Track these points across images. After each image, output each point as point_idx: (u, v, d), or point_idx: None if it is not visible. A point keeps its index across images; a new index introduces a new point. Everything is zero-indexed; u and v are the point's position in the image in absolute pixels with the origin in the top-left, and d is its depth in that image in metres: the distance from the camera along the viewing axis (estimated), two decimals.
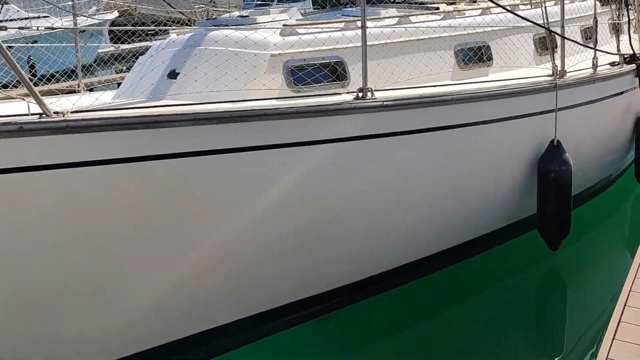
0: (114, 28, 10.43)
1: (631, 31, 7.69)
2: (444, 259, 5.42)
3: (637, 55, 7.20)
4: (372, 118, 4.19)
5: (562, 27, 5.68)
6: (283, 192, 3.94)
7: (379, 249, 4.79)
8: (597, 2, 7.76)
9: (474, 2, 7.60)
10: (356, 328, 5.12)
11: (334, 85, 4.65)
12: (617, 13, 7.59)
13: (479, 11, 6.41)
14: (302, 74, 4.53)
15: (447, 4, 7.29)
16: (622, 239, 6.82)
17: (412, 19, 5.74)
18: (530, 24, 5.50)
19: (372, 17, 5.70)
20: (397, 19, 5.61)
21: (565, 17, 6.91)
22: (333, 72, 4.70)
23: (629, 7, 7.72)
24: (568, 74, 5.80)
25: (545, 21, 5.54)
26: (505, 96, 5.09)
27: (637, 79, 7.07)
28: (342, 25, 5.10)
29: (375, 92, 4.23)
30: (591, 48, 6.18)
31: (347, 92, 4.28)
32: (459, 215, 5.26)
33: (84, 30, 15.48)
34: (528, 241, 5.91)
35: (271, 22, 4.90)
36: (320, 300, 4.79)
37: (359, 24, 5.26)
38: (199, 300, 4.14)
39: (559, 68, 5.65)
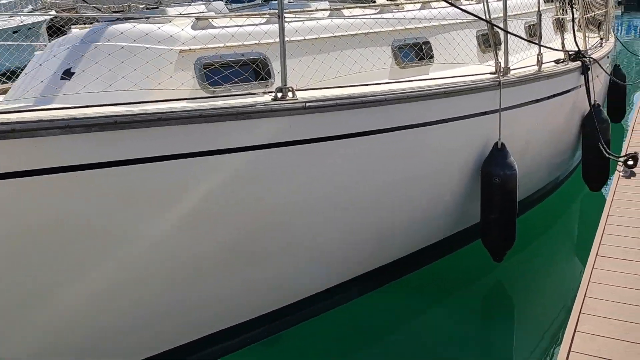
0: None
1: (575, 28, 7.46)
2: (381, 276, 4.96)
3: (582, 52, 6.94)
4: (294, 122, 3.67)
5: (505, 20, 5.31)
6: (186, 211, 3.39)
7: (307, 269, 4.29)
8: None
9: None
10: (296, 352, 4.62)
11: (258, 86, 4.12)
12: (562, 10, 7.31)
13: (419, 5, 6.00)
14: (219, 73, 3.98)
15: None
16: (571, 243, 6.53)
17: (346, 12, 5.26)
18: (473, 18, 5.11)
19: (301, 9, 5.21)
20: (329, 12, 5.13)
21: (509, 13, 6.60)
22: (256, 70, 4.17)
23: (573, 4, 7.48)
24: (512, 72, 5.44)
25: (488, 16, 5.16)
26: (444, 96, 4.67)
27: (583, 76, 6.81)
28: (265, 19, 4.57)
29: (298, 92, 3.73)
30: (536, 44, 5.85)
31: (266, 92, 3.74)
32: (398, 227, 4.81)
33: (17, 31, 14.53)
34: (474, 251, 5.52)
35: (182, 15, 4.31)
36: (245, 328, 4.26)
37: (287, 16, 4.78)
38: (96, 336, 3.55)
39: (503, 65, 5.28)
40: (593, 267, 4.05)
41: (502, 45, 5.37)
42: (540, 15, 5.97)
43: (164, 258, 3.44)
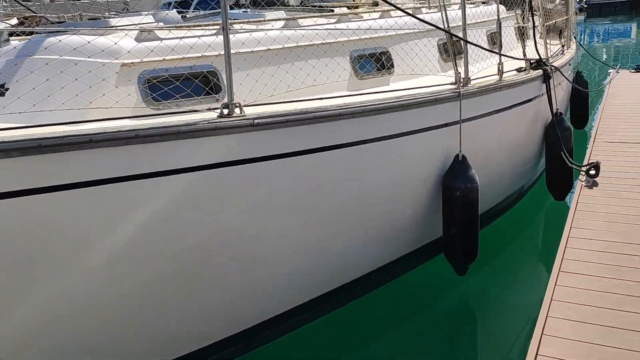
0: None
1: (537, 36, 7.44)
2: (343, 295, 4.78)
3: (544, 60, 6.91)
4: (242, 139, 3.47)
5: (464, 30, 5.21)
6: (124, 239, 3.16)
7: (262, 292, 4.09)
8: (502, 7, 7.46)
9: (376, 5, 7.10)
10: None
11: (208, 100, 3.90)
12: (523, 18, 7.27)
13: (378, 14, 5.87)
14: (165, 87, 3.75)
15: (349, 7, 6.74)
16: (536, 256, 6.45)
17: (302, 22, 5.09)
18: (433, 28, 4.99)
19: (254, 19, 5.02)
20: (283, 22, 4.96)
21: (469, 22, 6.52)
22: (206, 84, 3.96)
23: (534, 11, 7.45)
24: (473, 82, 5.34)
25: (446, 25, 5.05)
26: (402, 109, 4.52)
27: (545, 85, 6.77)
28: (216, 30, 4.36)
29: (246, 108, 3.53)
30: (496, 53, 5.76)
31: (212, 109, 3.52)
32: (357, 245, 4.64)
33: None
34: (437, 266, 5.39)
35: (127, 26, 4.08)
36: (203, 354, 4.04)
37: (236, 26, 4.58)
38: None
39: (463, 75, 5.18)
40: (555, 284, 3.94)
41: (463, 55, 5.28)
42: (500, 23, 5.90)
43: (102, 289, 3.20)
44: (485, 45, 7.48)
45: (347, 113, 4.02)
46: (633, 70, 12.63)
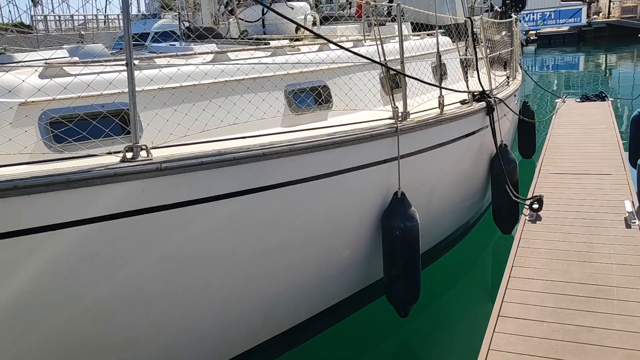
0: None
1: (480, 68, 7.41)
2: (274, 346, 4.47)
3: (487, 92, 6.85)
4: (149, 186, 3.17)
5: (402, 62, 5.07)
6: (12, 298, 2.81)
7: (178, 352, 3.73)
8: (447, 39, 7.42)
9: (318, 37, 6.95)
10: None
11: (122, 140, 3.57)
12: (466, 49, 7.23)
13: (318, 47, 5.70)
14: (70, 128, 3.42)
15: (291, 40, 6.57)
16: (480, 295, 6.26)
17: (238, 55, 4.86)
18: (372, 61, 4.82)
19: (182, 53, 4.77)
20: (212, 56, 4.72)
21: (413, 54, 6.42)
22: (123, 122, 3.64)
23: (478, 43, 7.43)
24: (412, 116, 5.19)
25: (383, 58, 4.90)
26: (335, 146, 4.31)
27: (488, 117, 6.69)
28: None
29: (155, 151, 3.24)
30: (435, 86, 5.64)
31: (111, 153, 3.21)
32: (288, 294, 4.34)
33: None
34: (380, 308, 5.14)
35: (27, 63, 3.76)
36: None
37: (158, 61, 4.31)
38: None
39: (401, 109, 5.02)
40: (494, 331, 3.73)
41: (402, 88, 5.13)
42: (440, 56, 5.80)
43: None
44: (430, 78, 7.44)
45: (272, 153, 3.77)
46: (579, 100, 12.84)
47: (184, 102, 3.75)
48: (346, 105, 5.08)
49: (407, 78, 5.07)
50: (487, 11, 12.65)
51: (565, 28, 38.98)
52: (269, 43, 5.59)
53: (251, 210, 3.76)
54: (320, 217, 4.39)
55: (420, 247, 4.85)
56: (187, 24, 6.54)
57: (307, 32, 7.08)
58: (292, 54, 5.34)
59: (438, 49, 5.71)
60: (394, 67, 5.03)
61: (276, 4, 7.07)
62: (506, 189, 6.53)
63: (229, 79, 4.22)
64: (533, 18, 39.05)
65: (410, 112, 5.24)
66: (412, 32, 8.61)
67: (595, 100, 12.71)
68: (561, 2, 39.72)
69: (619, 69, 27.21)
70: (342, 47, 4.52)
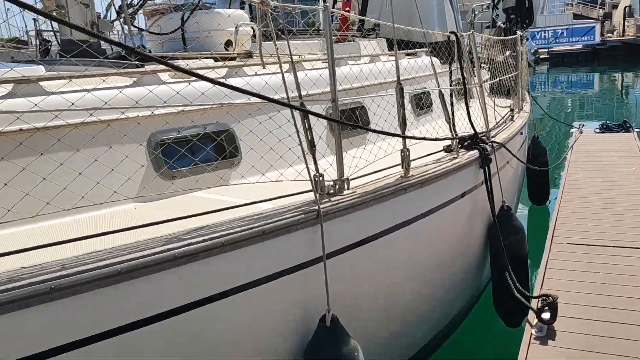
0: None
1: (473, 101, 5.56)
2: None
3: (481, 134, 4.95)
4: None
5: (335, 101, 3.18)
6: None
7: None
8: (435, 60, 5.53)
9: (250, 56, 5.10)
10: None
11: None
12: (450, 74, 5.32)
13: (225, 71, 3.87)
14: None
15: (217, 60, 4.69)
16: None
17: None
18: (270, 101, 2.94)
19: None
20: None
21: (379, 80, 4.59)
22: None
23: (471, 65, 5.53)
24: (354, 184, 3.30)
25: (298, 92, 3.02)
26: (189, 260, 2.42)
27: (483, 170, 4.77)
28: None
29: None
30: (395, 136, 3.70)
31: None
32: None
33: None
34: None
35: None
36: None
37: None
38: None
39: (334, 176, 3.14)
40: None
41: (336, 141, 3.24)
42: (402, 89, 3.84)
43: None
44: (409, 112, 5.53)
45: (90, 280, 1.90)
46: (598, 130, 10.85)
47: None
48: (270, 164, 3.23)
49: (338, 127, 3.19)
50: (487, 27, 10.80)
51: (578, 46, 37.16)
52: (142, 65, 3.68)
53: None
54: None
55: None
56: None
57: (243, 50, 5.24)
58: (177, 82, 3.49)
59: (399, 78, 3.77)
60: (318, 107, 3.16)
61: (201, 12, 5.20)
62: (505, 276, 4.59)
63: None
64: (545, 36, 37.54)
65: (354, 176, 3.35)
66: (388, 50, 6.76)
67: (617, 131, 10.71)
68: (573, 20, 38.09)
69: (636, 87, 25.21)
70: (224, 85, 2.60)
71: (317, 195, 2.88)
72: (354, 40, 6.32)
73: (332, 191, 3.11)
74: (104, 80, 3.21)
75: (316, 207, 2.86)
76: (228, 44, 5.34)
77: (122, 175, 2.92)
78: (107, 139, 2.99)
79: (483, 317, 5.45)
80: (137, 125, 3.07)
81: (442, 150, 4.59)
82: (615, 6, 41.81)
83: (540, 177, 8.12)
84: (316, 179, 2.95)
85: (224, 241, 2.51)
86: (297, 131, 2.97)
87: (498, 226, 4.75)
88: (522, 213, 8.36)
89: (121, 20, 4.76)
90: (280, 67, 2.85)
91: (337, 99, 3.16)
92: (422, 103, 5.92)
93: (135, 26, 5.10)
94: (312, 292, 2.94)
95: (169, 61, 3.44)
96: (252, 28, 5.56)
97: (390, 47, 6.45)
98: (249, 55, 5.19)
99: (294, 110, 2.89)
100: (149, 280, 2.30)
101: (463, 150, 4.68)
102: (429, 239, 4.05)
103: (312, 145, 2.95)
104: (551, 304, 3.81)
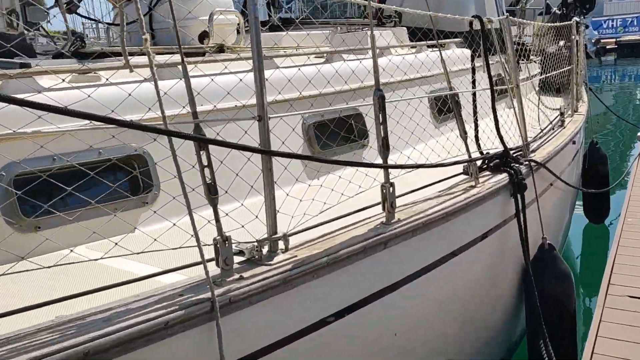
0: None
1: (508, 108, 4.39)
2: None
3: (516, 151, 3.74)
4: None
5: (265, 125, 2.09)
6: None
7: None
8: (466, 51, 4.31)
9: (222, 51, 4.06)
10: None
11: None
12: (473, 76, 4.10)
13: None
14: None
15: (189, 55, 3.66)
16: None
17: None
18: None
19: None
20: None
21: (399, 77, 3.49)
22: None
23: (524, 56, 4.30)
24: (313, 234, 2.24)
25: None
26: None
27: (514, 198, 3.55)
28: None
29: None
30: (381, 167, 2.56)
31: None
32: None
33: None
34: None
35: None
36: None
37: None
38: None
39: (262, 232, 2.08)
40: None
41: (265, 181, 2.16)
42: (383, 98, 2.65)
43: None
44: (427, 122, 4.36)
45: None
46: None
47: None
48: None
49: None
50: (540, 14, 9.35)
51: None
52: (27, 64, 2.67)
53: None
54: None
55: None
56: None
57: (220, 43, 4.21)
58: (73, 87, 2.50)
59: (377, 78, 2.60)
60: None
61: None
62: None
63: None
64: (612, 25, 34.93)
65: (313, 222, 2.29)
66: (410, 40, 5.56)
67: None
68: None
69: None
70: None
71: (211, 279, 1.78)
72: (362, 30, 5.17)
73: (255, 256, 2.04)
74: None
75: (207, 296, 1.78)
76: (204, 35, 4.33)
77: None
78: None
79: None
80: None
81: (462, 173, 3.42)
82: None
83: (599, 184, 6.73)
84: (217, 244, 1.88)
85: None
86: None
87: (533, 276, 3.53)
88: (574, 234, 6.95)
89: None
90: (152, 70, 1.79)
91: (266, 116, 2.07)
92: (444, 107, 4.72)
93: (79, 14, 4.14)
94: None
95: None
96: (237, 17, 4.56)
97: (413, 37, 5.30)
98: (221, 49, 4.17)
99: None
100: None
101: (488, 173, 3.51)
102: (426, 305, 2.91)
103: (211, 192, 1.87)
104: None
